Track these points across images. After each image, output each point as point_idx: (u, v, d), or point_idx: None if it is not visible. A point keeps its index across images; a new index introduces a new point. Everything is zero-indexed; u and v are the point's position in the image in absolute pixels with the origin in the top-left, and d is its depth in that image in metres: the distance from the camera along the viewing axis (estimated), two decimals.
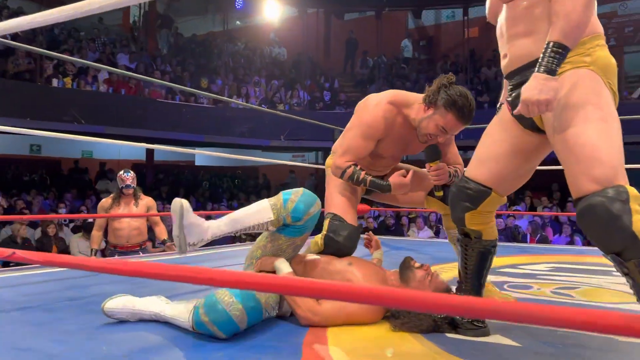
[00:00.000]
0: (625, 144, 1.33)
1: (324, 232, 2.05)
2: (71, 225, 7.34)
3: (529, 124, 1.47)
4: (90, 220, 5.73)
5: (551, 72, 1.24)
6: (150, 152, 12.21)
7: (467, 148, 7.88)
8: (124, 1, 1.19)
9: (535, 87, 1.24)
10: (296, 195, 1.75)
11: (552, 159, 1.69)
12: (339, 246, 1.98)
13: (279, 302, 1.74)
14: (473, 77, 12.11)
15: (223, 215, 1.82)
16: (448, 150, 2.21)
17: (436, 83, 1.95)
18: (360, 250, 2.08)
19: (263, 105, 10.84)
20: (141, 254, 4.15)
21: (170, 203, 1.82)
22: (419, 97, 2.05)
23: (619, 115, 1.35)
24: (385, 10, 13.68)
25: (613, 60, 1.37)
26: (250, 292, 1.58)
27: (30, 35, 9.27)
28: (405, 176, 2.04)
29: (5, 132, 4.82)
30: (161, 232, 4.44)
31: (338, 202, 2.15)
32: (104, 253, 5.06)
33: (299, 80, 12.98)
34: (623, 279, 1.30)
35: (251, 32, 15.14)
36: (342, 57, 14.36)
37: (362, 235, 2.28)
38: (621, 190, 1.22)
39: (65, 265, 1.07)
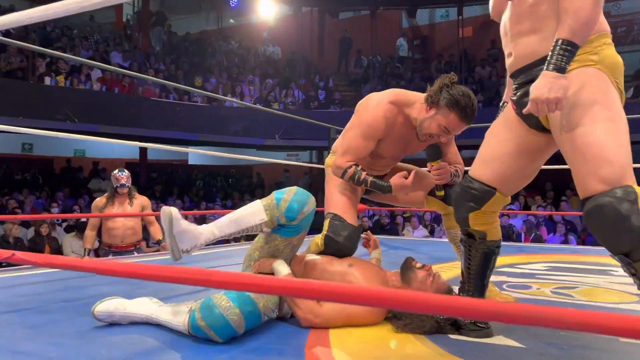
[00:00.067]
0: None
1: (324, 232, 2.02)
2: (64, 224, 7.28)
3: (535, 124, 1.46)
4: (84, 219, 5.68)
5: (561, 70, 1.23)
6: (143, 151, 12.15)
7: (460, 147, 7.87)
8: None
9: (544, 86, 1.23)
10: (289, 195, 1.72)
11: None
12: (339, 246, 1.97)
13: (279, 304, 1.72)
14: (467, 77, 12.12)
15: (217, 214, 1.79)
16: (448, 150, 2.20)
17: (438, 83, 1.94)
18: (358, 249, 2.07)
19: (257, 104, 10.79)
20: (136, 254, 4.12)
21: (164, 202, 1.79)
22: (421, 96, 2.03)
23: None
24: (379, 10, 13.67)
25: (620, 59, 1.37)
26: (247, 297, 1.55)
27: (22, 33, 9.18)
28: (406, 177, 2.02)
29: None
30: (156, 231, 4.41)
31: (338, 202, 2.13)
32: (97, 253, 5.02)
33: (293, 79, 12.96)
34: (620, 279, 1.29)
35: (245, 31, 15.11)
36: (337, 56, 14.36)
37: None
38: (629, 191, 1.21)
39: (65, 267, 1.05)
